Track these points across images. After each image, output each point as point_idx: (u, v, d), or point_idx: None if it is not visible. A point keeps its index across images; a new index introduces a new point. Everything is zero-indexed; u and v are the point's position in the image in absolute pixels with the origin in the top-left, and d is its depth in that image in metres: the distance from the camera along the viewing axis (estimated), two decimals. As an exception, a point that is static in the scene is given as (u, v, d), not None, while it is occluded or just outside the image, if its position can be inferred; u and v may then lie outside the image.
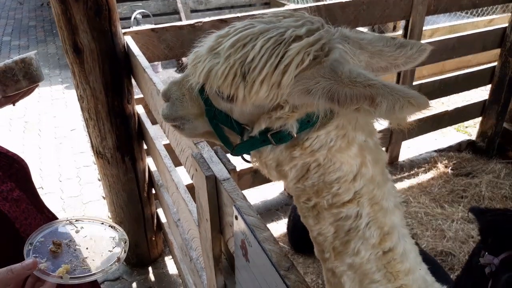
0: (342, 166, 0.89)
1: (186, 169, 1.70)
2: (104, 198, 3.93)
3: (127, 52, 2.42)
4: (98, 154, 2.66)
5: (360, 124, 0.89)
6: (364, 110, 0.73)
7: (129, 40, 2.41)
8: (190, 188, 2.05)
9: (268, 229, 1.04)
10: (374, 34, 0.96)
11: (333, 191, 0.91)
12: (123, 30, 2.43)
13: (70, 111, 5.70)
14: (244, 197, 1.14)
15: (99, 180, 4.22)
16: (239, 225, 1.10)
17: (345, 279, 1.01)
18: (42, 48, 8.37)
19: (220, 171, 1.24)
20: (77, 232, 1.23)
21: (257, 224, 1.04)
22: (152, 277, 3.02)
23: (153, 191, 2.98)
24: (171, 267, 3.06)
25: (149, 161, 2.88)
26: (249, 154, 1.02)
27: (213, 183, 1.23)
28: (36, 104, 5.92)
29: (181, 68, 6.97)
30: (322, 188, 0.92)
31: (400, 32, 5.82)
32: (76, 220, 1.26)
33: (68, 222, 1.25)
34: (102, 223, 1.28)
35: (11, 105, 1.45)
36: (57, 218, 1.45)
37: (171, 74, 6.96)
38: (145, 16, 7.04)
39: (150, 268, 3.09)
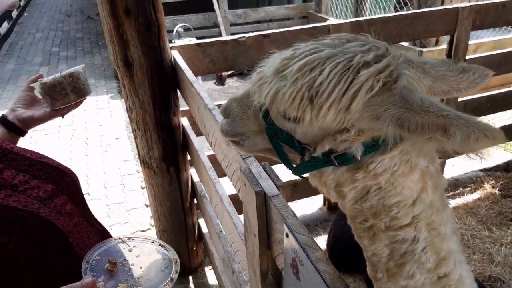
0: (403, 190, 0.89)
1: (232, 183, 1.72)
2: (146, 206, 4.04)
3: (174, 66, 2.50)
4: (144, 164, 2.75)
5: (423, 150, 0.89)
6: (436, 140, 0.74)
7: (175, 55, 2.50)
8: (233, 199, 2.08)
9: (321, 249, 1.04)
10: (437, 58, 0.97)
11: (392, 214, 0.91)
12: (170, 45, 2.52)
13: (114, 120, 5.93)
14: (294, 215, 1.14)
15: (142, 188, 4.35)
16: (290, 243, 1.10)
17: None
18: (89, 59, 8.80)
19: (269, 187, 1.25)
20: (130, 251, 1.27)
21: (309, 243, 1.04)
22: (192, 286, 3.07)
23: (195, 201, 3.04)
24: (211, 278, 3.09)
25: (192, 172, 2.95)
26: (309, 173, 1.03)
27: (263, 199, 1.24)
28: (83, 113, 6.21)
29: (220, 81, 7.11)
30: (381, 210, 0.92)
31: (443, 46, 5.68)
32: (128, 239, 1.29)
33: (120, 240, 1.28)
34: (153, 242, 1.31)
35: (60, 117, 1.49)
36: (105, 230, 1.48)
37: (211, 86, 7.12)
38: (186, 29, 7.26)
39: (190, 278, 3.13)
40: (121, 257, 1.23)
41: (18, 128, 1.38)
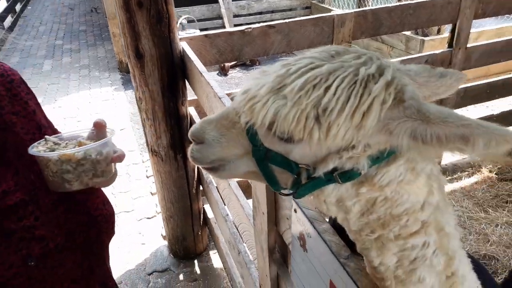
0: (410, 197, 0.86)
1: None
2: (152, 194, 4.16)
3: (182, 57, 2.59)
4: (152, 152, 2.85)
5: (428, 154, 0.86)
6: (456, 148, 0.73)
7: (184, 46, 2.58)
8: (240, 185, 2.19)
9: (326, 221, 1.14)
10: (418, 65, 0.97)
11: (401, 223, 0.87)
12: (179, 36, 2.60)
13: (119, 112, 6.02)
14: (302, 193, 1.24)
15: (147, 177, 4.46)
16: (298, 217, 1.20)
17: None
18: (92, 51, 8.86)
19: (278, 168, 1.34)
20: None
21: (316, 217, 1.14)
22: (197, 269, 3.19)
23: (201, 188, 3.15)
24: (216, 261, 3.21)
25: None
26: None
27: (272, 179, 1.34)
28: (88, 105, 6.30)
29: (223, 71, 7.18)
30: (389, 220, 0.88)
31: (445, 35, 5.74)
32: None
33: None
34: None
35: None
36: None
37: (214, 77, 7.19)
38: (190, 21, 7.31)
39: (195, 261, 3.25)
40: None
41: None
